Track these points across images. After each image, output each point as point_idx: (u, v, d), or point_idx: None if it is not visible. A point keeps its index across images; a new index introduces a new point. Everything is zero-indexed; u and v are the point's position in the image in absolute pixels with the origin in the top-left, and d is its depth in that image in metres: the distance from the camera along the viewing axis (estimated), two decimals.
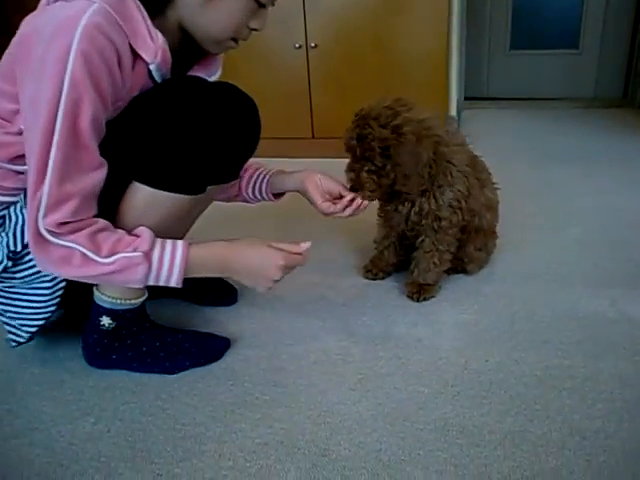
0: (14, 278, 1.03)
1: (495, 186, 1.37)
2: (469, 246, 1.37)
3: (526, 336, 1.18)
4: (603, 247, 1.56)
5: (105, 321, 1.07)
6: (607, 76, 3.60)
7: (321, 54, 2.48)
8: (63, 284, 1.06)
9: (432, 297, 1.33)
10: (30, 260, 1.00)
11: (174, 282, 0.98)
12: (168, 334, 1.14)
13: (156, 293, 1.35)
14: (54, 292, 1.05)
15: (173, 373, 1.11)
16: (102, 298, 1.06)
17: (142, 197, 0.98)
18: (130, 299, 1.07)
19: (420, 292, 1.32)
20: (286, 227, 1.82)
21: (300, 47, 2.48)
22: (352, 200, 1.22)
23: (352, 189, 1.22)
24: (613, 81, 3.60)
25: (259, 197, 1.35)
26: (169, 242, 0.98)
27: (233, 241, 1.07)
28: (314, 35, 2.46)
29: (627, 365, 1.07)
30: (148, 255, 0.94)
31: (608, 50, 3.54)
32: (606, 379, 1.04)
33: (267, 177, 1.32)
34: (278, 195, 1.36)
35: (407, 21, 2.34)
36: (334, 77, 2.52)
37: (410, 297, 1.33)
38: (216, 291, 1.37)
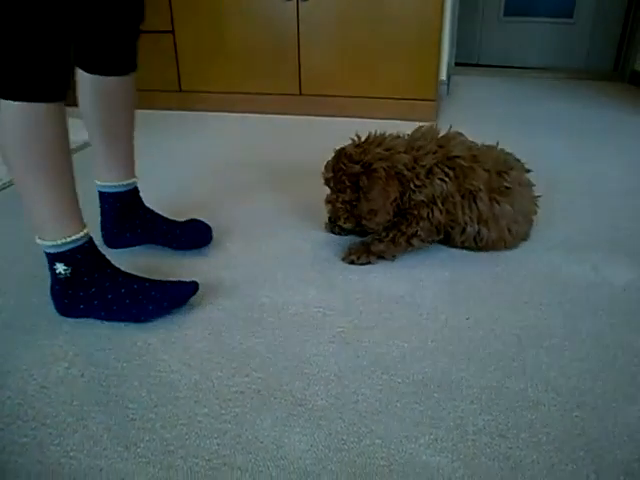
0: None
1: (502, 199, 1.27)
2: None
3: (507, 296, 1.18)
4: (587, 213, 1.56)
5: (60, 268, 1.05)
6: (599, 48, 3.57)
7: (312, 8, 2.41)
8: None
9: (360, 264, 1.28)
10: None
11: None
12: (134, 281, 1.10)
13: (131, 239, 1.33)
14: None
15: (140, 320, 1.08)
16: (45, 244, 1.03)
17: None
18: (70, 235, 1.03)
19: (352, 251, 1.29)
20: (280, 184, 1.79)
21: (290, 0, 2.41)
22: None
23: (330, 220, 1.34)
24: (605, 54, 3.57)
25: None
26: None
27: None
28: None
29: (604, 327, 1.08)
30: None
31: (602, 22, 3.50)
32: (583, 339, 1.04)
33: None
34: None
35: None
36: (324, 33, 2.45)
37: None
38: (191, 232, 1.35)
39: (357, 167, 1.22)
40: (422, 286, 1.22)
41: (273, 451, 0.81)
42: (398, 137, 1.29)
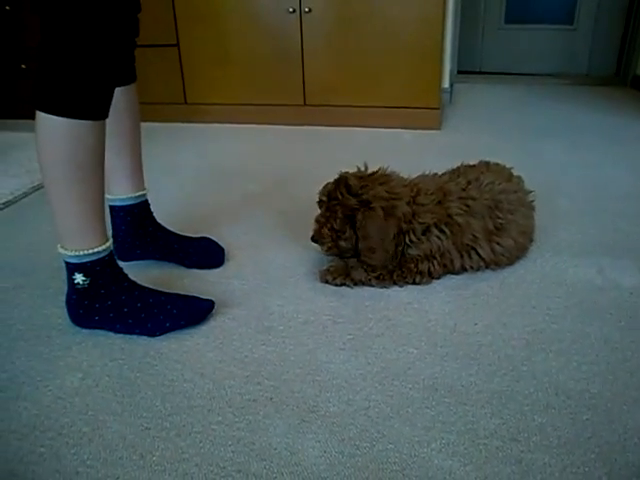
0: None
1: (501, 238, 1.28)
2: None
3: (515, 301, 1.19)
4: (591, 217, 1.57)
5: (79, 278, 1.06)
6: (600, 53, 3.58)
7: (315, 19, 2.44)
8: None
9: (334, 285, 1.26)
10: None
11: None
12: (150, 295, 1.12)
13: (142, 254, 1.34)
14: None
15: (154, 334, 1.10)
16: (67, 254, 1.05)
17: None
18: (92, 247, 1.05)
19: (330, 271, 1.27)
20: (287, 194, 1.80)
21: (294, 11, 2.44)
22: None
23: (312, 239, 1.29)
24: (606, 58, 3.58)
25: None
26: None
27: None
28: None
29: (612, 329, 1.09)
30: None
31: (602, 27, 3.52)
32: (592, 342, 1.05)
33: None
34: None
35: None
36: (328, 43, 2.48)
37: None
38: (203, 252, 1.36)
39: (354, 201, 1.19)
40: (430, 292, 1.23)
41: (287, 457, 0.82)
42: (405, 186, 1.25)
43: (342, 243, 1.25)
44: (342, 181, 1.23)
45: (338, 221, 1.22)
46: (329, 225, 1.24)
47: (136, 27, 1.15)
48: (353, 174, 1.25)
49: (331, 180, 1.27)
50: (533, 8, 3.63)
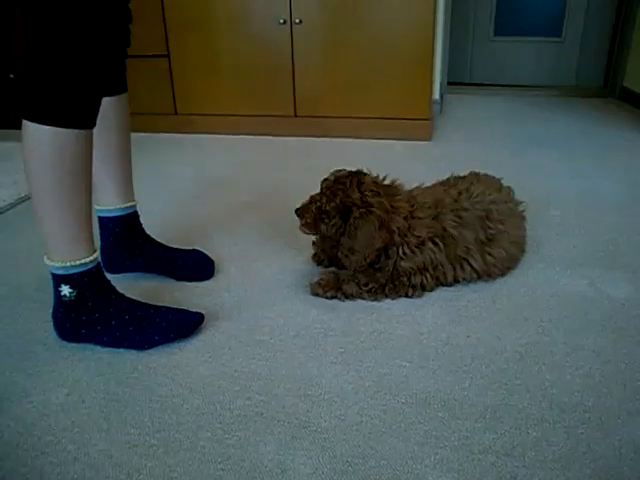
0: None
1: (493, 249, 1.27)
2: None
3: (507, 314, 1.18)
4: (582, 229, 1.57)
5: (65, 290, 1.04)
6: (589, 65, 3.62)
7: (306, 30, 2.44)
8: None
9: (325, 298, 1.24)
10: None
11: None
12: (139, 308, 1.10)
13: (131, 267, 1.32)
14: None
15: (143, 348, 1.07)
16: (53, 265, 1.03)
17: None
18: (79, 258, 1.03)
19: (322, 284, 1.25)
20: (277, 205, 1.79)
21: (284, 22, 2.44)
22: None
23: (296, 211, 1.27)
24: (594, 70, 3.62)
25: None
26: None
27: None
28: (299, 10, 2.41)
29: (605, 342, 1.08)
30: None
31: (590, 40, 3.56)
32: (585, 355, 1.04)
33: None
34: None
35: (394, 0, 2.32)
36: (318, 55, 2.48)
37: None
38: (193, 265, 1.34)
39: (357, 196, 1.18)
40: (422, 305, 1.22)
41: (277, 475, 0.80)
42: (407, 201, 1.24)
43: (322, 226, 1.23)
44: (358, 175, 1.23)
45: (332, 204, 1.20)
46: (319, 205, 1.22)
47: (127, 37, 1.14)
48: (370, 176, 1.25)
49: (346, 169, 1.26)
50: (522, 21, 3.66)
